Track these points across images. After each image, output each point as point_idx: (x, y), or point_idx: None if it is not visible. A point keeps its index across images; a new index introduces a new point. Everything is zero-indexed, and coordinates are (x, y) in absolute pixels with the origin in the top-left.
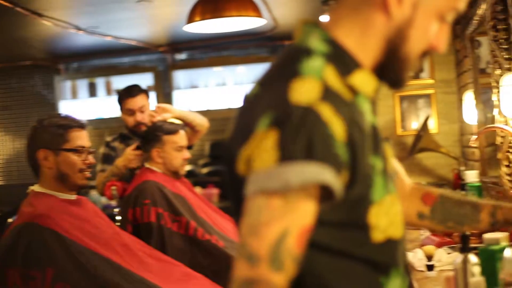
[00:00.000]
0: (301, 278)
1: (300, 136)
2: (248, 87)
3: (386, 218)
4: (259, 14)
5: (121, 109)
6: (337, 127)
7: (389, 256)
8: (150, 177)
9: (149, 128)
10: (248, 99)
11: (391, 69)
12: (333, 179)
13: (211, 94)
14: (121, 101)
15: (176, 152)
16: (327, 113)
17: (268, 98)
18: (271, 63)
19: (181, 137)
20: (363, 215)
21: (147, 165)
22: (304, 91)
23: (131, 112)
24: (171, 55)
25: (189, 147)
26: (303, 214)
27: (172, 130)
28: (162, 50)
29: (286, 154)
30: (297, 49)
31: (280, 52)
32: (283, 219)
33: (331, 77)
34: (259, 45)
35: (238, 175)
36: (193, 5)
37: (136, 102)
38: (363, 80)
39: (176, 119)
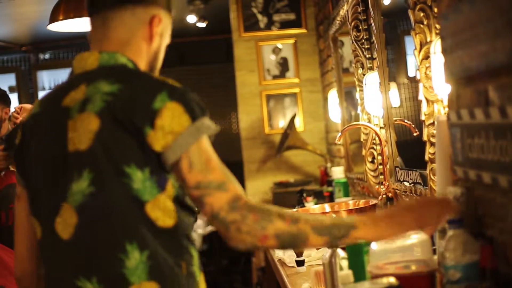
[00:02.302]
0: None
1: (195, 103)
2: None
3: None
4: None
5: None
6: None
7: None
8: (15, 180)
9: (14, 130)
10: (109, 93)
11: None
12: None
13: None
14: None
15: None
16: None
17: (148, 86)
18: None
19: None
20: None
21: (12, 167)
22: (170, 79)
23: None
24: (35, 55)
25: None
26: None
27: None
28: (25, 50)
29: (196, 114)
30: (117, 64)
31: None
32: (212, 151)
33: None
34: None
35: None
36: (56, 3)
37: None
38: None
39: None
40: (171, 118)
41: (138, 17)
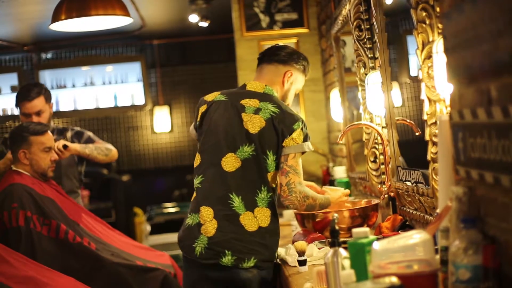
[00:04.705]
0: None
1: (307, 133)
2: (117, 87)
3: None
4: (126, 13)
5: (19, 110)
6: None
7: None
8: (17, 180)
9: (16, 129)
10: (273, 112)
11: None
12: None
13: (79, 94)
14: (18, 103)
15: (44, 153)
16: None
17: (292, 116)
18: (266, 96)
19: (49, 138)
20: None
21: (14, 167)
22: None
23: (27, 116)
24: (37, 54)
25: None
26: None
27: (39, 130)
28: (27, 49)
29: (305, 139)
30: (272, 95)
31: (266, 96)
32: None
33: None
34: (127, 44)
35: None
36: (58, 3)
37: (32, 106)
38: None
39: (79, 155)
40: (298, 135)
41: (278, 70)
